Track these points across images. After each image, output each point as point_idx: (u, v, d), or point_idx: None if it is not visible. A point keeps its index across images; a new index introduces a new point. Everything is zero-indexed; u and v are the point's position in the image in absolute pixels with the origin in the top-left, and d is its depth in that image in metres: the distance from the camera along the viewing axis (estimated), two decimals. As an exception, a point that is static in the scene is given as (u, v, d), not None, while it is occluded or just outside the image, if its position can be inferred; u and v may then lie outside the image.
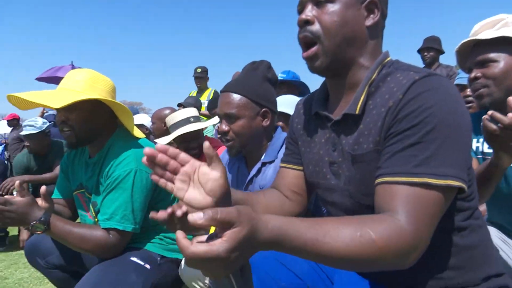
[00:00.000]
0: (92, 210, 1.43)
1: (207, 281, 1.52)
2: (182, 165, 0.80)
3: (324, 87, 1.03)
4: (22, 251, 3.13)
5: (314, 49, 0.88)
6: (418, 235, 0.71)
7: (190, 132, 2.02)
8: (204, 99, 4.52)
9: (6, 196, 1.21)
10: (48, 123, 3.32)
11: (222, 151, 1.63)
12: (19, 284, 2.40)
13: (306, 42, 0.90)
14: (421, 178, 0.73)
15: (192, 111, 2.17)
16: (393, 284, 0.90)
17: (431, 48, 3.87)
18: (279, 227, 0.67)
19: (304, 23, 0.88)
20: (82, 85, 1.35)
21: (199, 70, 4.67)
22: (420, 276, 0.86)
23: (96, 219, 1.42)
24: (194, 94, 4.72)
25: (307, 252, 0.68)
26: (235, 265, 0.64)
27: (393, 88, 0.81)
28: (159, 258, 1.40)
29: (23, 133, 3.18)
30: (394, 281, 0.89)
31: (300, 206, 1.11)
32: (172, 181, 0.80)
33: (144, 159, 0.77)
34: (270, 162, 1.40)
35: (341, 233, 0.68)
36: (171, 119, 2.12)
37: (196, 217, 0.59)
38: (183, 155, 0.81)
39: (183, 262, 1.45)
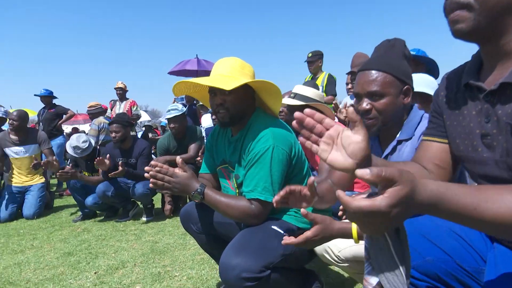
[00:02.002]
0: (234, 182, 1.61)
1: (338, 253, 1.58)
2: (327, 129, 0.86)
3: (477, 58, 0.97)
4: (166, 221, 3.67)
5: (462, 13, 0.83)
6: None
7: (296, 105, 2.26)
8: (319, 84, 4.53)
9: (175, 169, 1.46)
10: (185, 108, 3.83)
11: None
12: (167, 248, 2.81)
13: (453, 9, 0.86)
14: None
15: (313, 93, 2.32)
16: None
17: None
18: (437, 189, 0.68)
19: None
20: (235, 71, 1.53)
21: (310, 54, 4.68)
22: None
23: (237, 190, 1.60)
24: (310, 79, 4.76)
25: (466, 216, 0.68)
26: (394, 222, 0.68)
27: None
28: (296, 228, 1.50)
29: (168, 116, 3.66)
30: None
31: (442, 179, 1.08)
32: (317, 143, 0.87)
33: (294, 122, 0.86)
34: (407, 140, 1.37)
35: (506, 199, 0.67)
36: (302, 90, 2.32)
37: (363, 172, 0.64)
38: (328, 120, 0.87)
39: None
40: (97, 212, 4.02)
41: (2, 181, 4.85)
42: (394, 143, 1.39)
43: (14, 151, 4.19)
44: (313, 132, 0.87)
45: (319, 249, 1.53)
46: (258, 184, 1.44)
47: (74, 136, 3.82)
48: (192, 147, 3.75)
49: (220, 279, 2.13)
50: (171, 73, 7.18)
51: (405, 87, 1.32)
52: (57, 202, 4.92)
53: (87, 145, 3.76)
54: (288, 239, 1.24)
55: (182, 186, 1.45)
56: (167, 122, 3.81)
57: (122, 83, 6.56)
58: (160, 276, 2.26)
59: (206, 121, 5.11)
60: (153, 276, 2.26)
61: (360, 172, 0.65)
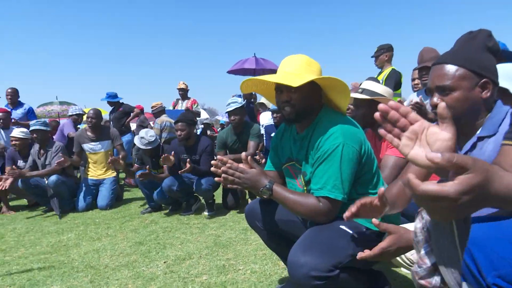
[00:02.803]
0: (302, 179, 1.62)
1: (411, 256, 1.53)
2: (411, 124, 0.83)
3: None
4: (227, 216, 3.78)
5: None
6: None
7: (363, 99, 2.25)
8: (380, 79, 4.37)
9: (241, 165, 1.51)
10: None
11: None
12: (229, 242, 2.89)
13: None
14: None
15: (382, 89, 2.25)
16: None
17: None
18: None
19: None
20: (301, 68, 1.54)
21: (376, 49, 4.53)
22: None
23: (305, 187, 1.61)
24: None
25: None
26: (462, 210, 0.66)
27: None
28: (364, 229, 1.48)
29: (229, 109, 3.78)
30: None
31: None
32: (399, 137, 0.84)
33: (377, 114, 0.84)
34: (489, 137, 1.28)
35: None
36: (370, 85, 2.30)
37: (434, 156, 0.63)
38: (414, 114, 0.84)
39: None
40: (162, 205, 4.25)
41: (79, 174, 5.30)
42: (474, 139, 1.31)
43: (90, 147, 4.56)
44: (396, 125, 0.84)
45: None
46: (328, 182, 1.43)
47: (144, 130, 4.08)
48: (252, 145, 3.83)
49: (282, 275, 2.16)
50: (230, 72, 7.37)
51: (483, 80, 1.24)
52: (126, 195, 5.28)
53: (153, 139, 4.00)
54: (363, 254, 1.22)
55: (251, 182, 1.49)
56: (227, 115, 3.92)
57: (183, 83, 6.86)
58: (225, 268, 2.34)
59: (265, 118, 5.17)
60: (218, 268, 2.34)
61: (430, 155, 0.63)
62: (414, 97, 3.34)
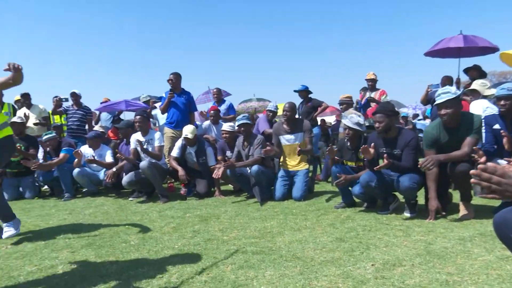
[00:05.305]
0: None
1: None
2: None
3: None
4: (436, 221, 3.21)
5: None
6: None
7: None
8: None
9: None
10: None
11: None
12: (445, 252, 2.47)
13: None
14: None
15: None
16: None
17: None
18: None
19: None
20: None
21: None
22: None
23: None
24: None
25: None
26: None
27: None
28: None
29: (439, 100, 3.21)
30: None
31: None
32: None
33: None
34: None
35: None
36: None
37: None
38: None
39: None
40: (355, 202, 4.07)
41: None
42: None
43: (286, 139, 4.79)
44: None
45: None
46: None
47: (348, 114, 4.09)
48: (468, 142, 3.18)
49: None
50: (428, 54, 6.55)
51: None
52: (316, 188, 5.34)
53: (362, 122, 3.97)
54: None
55: None
56: (437, 108, 3.35)
57: (373, 74, 6.52)
58: (449, 285, 1.96)
59: (477, 108, 4.25)
60: (441, 283, 1.98)
61: None
62: None
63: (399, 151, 3.49)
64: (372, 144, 3.40)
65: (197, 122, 6.77)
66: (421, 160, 3.28)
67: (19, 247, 3.00)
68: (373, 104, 6.30)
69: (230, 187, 5.60)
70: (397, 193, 3.74)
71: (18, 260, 2.65)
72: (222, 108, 6.73)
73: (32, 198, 5.66)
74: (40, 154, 5.78)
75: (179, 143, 5.23)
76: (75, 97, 6.74)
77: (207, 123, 6.28)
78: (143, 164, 4.75)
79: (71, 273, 2.39)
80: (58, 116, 7.34)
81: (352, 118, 3.93)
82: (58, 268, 2.48)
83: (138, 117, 5.27)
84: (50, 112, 7.13)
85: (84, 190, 5.82)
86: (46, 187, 6.15)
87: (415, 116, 13.37)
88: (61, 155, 5.54)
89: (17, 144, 5.43)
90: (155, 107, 7.54)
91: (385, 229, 3.09)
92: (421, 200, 3.70)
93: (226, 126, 5.07)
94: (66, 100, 6.86)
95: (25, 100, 6.97)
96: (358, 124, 3.93)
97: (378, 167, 3.25)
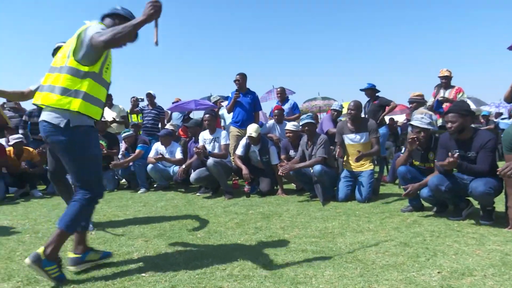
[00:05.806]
0: None
1: None
2: None
3: None
4: None
5: None
6: None
7: None
8: None
9: None
10: None
11: None
12: None
13: None
14: None
15: None
16: None
17: None
18: None
19: None
20: None
21: None
22: None
23: None
24: None
25: None
26: None
27: None
28: None
29: None
30: None
31: None
32: None
33: None
34: None
35: None
36: None
37: None
38: None
39: None
40: (424, 205, 3.87)
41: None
42: None
43: (350, 138, 4.70)
44: None
45: None
46: None
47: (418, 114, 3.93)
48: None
49: None
50: (511, 48, 5.93)
51: None
52: (382, 190, 5.16)
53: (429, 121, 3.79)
54: None
55: None
56: None
57: (447, 70, 6.09)
58: (527, 300, 1.81)
59: None
60: (516, 298, 1.84)
61: None
62: None
63: (473, 154, 3.24)
64: (457, 154, 3.16)
65: (262, 121, 6.90)
66: (500, 166, 3.01)
67: (101, 234, 3.36)
68: (445, 105, 5.90)
69: (292, 186, 5.63)
70: (471, 199, 3.49)
71: (100, 245, 2.97)
72: (286, 107, 6.77)
73: (112, 190, 6.24)
74: (121, 150, 6.35)
75: (243, 141, 5.40)
76: (150, 97, 7.28)
77: (271, 122, 6.38)
78: (210, 162, 5.00)
79: (144, 260, 2.62)
80: (135, 115, 7.97)
81: (423, 119, 3.73)
82: (133, 255, 2.74)
83: (207, 115, 5.57)
84: (128, 111, 7.78)
85: (155, 185, 6.27)
86: (124, 180, 6.73)
87: (498, 114, 12.14)
88: (137, 151, 6.03)
89: (100, 142, 6.02)
90: (222, 106, 7.84)
91: (456, 236, 2.91)
92: (499, 207, 3.41)
93: (290, 126, 5.12)
94: (142, 100, 7.46)
95: (107, 100, 7.70)
96: (430, 124, 3.72)
97: (441, 163, 3.04)
